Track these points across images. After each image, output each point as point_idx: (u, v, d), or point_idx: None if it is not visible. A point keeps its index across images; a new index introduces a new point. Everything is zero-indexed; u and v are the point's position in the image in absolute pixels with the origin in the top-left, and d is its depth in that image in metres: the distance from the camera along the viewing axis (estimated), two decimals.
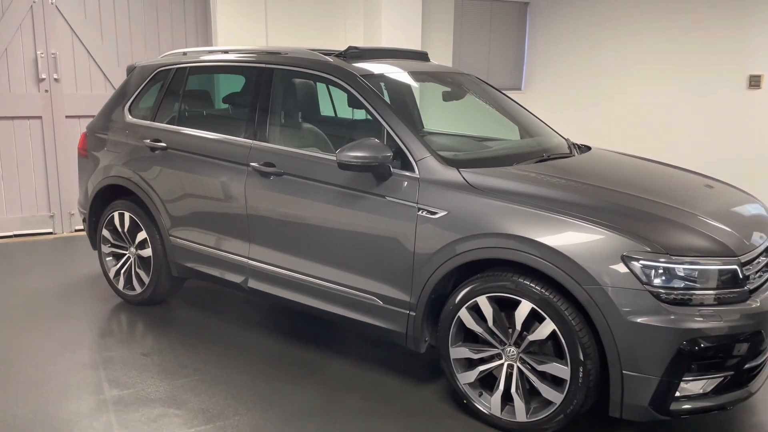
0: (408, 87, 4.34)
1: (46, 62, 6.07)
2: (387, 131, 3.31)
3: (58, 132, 6.21)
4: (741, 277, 2.71)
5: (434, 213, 3.07)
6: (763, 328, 2.74)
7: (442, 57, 7.64)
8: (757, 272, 2.87)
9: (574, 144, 4.09)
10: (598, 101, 7.26)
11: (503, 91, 4.61)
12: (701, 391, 2.70)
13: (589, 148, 4.05)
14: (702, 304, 2.65)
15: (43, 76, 6.08)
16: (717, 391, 2.72)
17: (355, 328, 3.48)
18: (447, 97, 4.27)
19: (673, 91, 6.46)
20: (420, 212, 3.11)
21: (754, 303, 2.72)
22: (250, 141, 3.75)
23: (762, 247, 2.96)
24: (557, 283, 2.76)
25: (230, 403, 3.20)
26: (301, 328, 4.09)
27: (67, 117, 6.22)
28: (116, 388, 3.34)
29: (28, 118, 6.13)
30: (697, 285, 2.65)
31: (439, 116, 5.22)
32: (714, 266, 2.67)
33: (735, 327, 2.64)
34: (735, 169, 6.05)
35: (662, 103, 6.58)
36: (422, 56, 4.37)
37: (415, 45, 7.03)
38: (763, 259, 2.97)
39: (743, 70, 5.88)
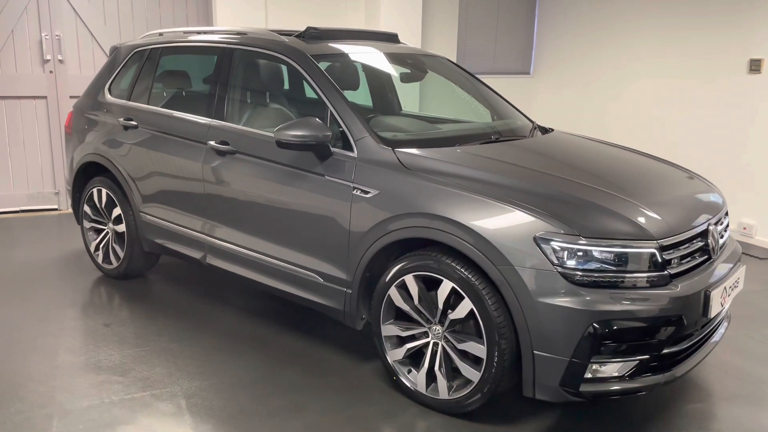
0: (374, 68, 4.35)
1: (50, 44, 6.28)
2: (330, 111, 3.35)
3: (62, 112, 6.41)
4: (660, 261, 2.68)
5: (367, 192, 3.11)
6: (685, 314, 2.70)
7: (446, 39, 7.61)
8: (684, 257, 2.83)
9: (538, 126, 4.07)
10: (609, 86, 7.10)
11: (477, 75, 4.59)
12: (616, 374, 2.69)
13: (551, 131, 4.03)
14: (614, 287, 2.63)
15: (48, 58, 6.30)
16: (633, 374, 2.70)
17: (302, 305, 3.54)
18: (405, 78, 4.28)
19: (677, 77, 6.28)
20: (355, 191, 3.15)
21: (674, 288, 2.69)
22: (209, 120, 3.84)
23: (695, 231, 2.91)
24: (477, 263, 2.78)
25: (172, 373, 3.32)
26: (265, 304, 4.18)
27: (71, 97, 6.39)
28: (70, 355, 3.50)
29: (34, 98, 6.36)
30: (611, 268, 2.63)
31: (415, 98, 5.22)
32: (628, 249, 2.65)
33: (649, 311, 2.62)
34: (734, 155, 5.89)
35: (667, 88, 6.40)
36: (391, 38, 4.38)
37: (415, 28, 7.03)
38: (698, 243, 2.93)
39: (744, 54, 5.69)
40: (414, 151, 3.18)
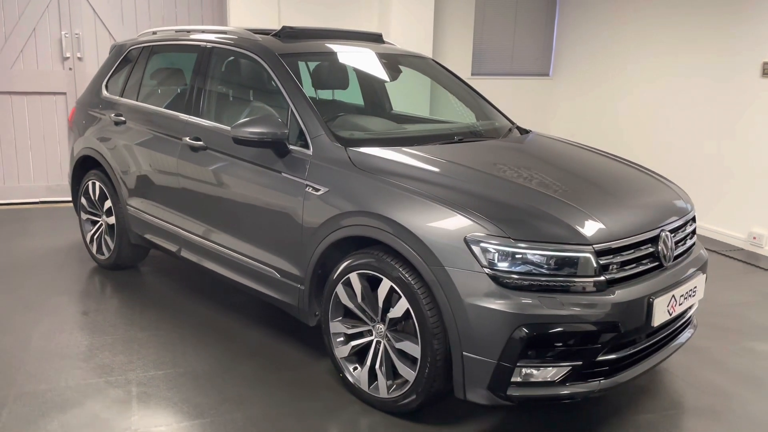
0: (350, 67, 4.34)
1: (70, 42, 6.53)
2: (291, 109, 3.40)
3: None
4: (595, 266, 2.63)
5: (318, 189, 3.14)
6: (622, 321, 2.64)
7: (461, 39, 7.59)
8: (627, 263, 2.76)
9: (517, 127, 4.04)
10: (630, 88, 6.87)
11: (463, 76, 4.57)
12: (549, 379, 2.64)
13: (528, 132, 3.99)
14: (545, 291, 2.59)
15: (68, 55, 6.55)
16: (565, 380, 2.65)
17: (264, 300, 3.59)
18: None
19: (695, 81, 6.07)
20: (307, 188, 3.18)
21: (610, 294, 2.63)
22: (186, 116, 3.94)
23: (641, 238, 2.84)
24: (411, 263, 2.77)
25: (133, 361, 3.42)
26: (242, 299, 4.24)
27: None
28: (42, 340, 3.63)
29: (54, 93, 6.62)
30: (542, 271, 2.59)
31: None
32: (560, 253, 2.60)
33: (581, 316, 2.57)
34: (746, 162, 5.68)
35: (685, 92, 6.18)
36: (375, 38, 4.39)
37: (427, 28, 7.02)
38: (647, 249, 2.86)
39: (756, 57, 5.48)
40: (365, 150, 3.19)
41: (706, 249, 5.18)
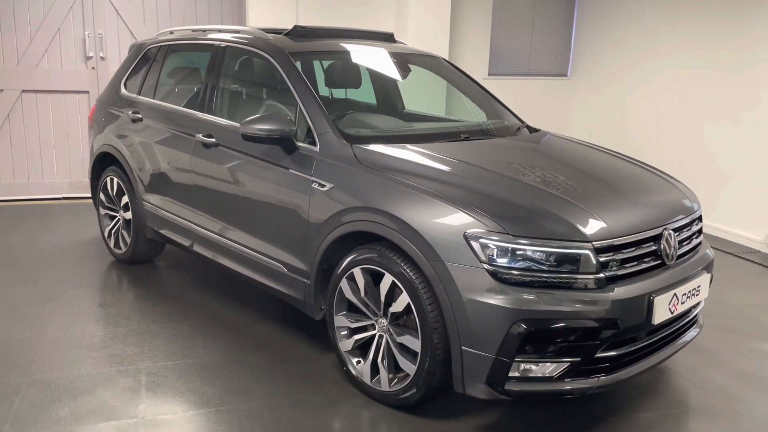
0: (360, 66, 4.38)
1: (93, 42, 6.68)
2: (299, 106, 3.46)
3: None
4: (594, 263, 2.64)
5: (324, 185, 3.19)
6: (621, 318, 2.65)
7: (478, 38, 7.61)
8: (628, 261, 2.77)
9: (527, 126, 4.06)
10: (650, 88, 6.84)
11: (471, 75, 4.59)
12: (548, 375, 2.66)
13: (537, 131, 4.01)
14: (543, 287, 2.61)
15: (91, 55, 6.70)
16: (563, 376, 2.67)
17: (271, 294, 3.65)
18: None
19: (718, 80, 6.01)
20: (313, 184, 3.24)
21: (609, 291, 2.64)
22: (200, 113, 4.02)
23: (643, 236, 2.84)
24: (412, 258, 2.81)
25: (143, 351, 3.51)
26: (252, 293, 4.31)
27: None
28: (58, 331, 3.74)
29: (77, 92, 6.77)
30: (541, 267, 2.62)
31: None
32: (558, 249, 2.62)
33: (578, 313, 2.59)
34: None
35: (707, 92, 6.14)
36: (386, 37, 4.43)
37: (443, 28, 7.05)
38: (649, 247, 2.86)
39: None
40: (370, 147, 3.23)
41: (722, 251, 5.20)
